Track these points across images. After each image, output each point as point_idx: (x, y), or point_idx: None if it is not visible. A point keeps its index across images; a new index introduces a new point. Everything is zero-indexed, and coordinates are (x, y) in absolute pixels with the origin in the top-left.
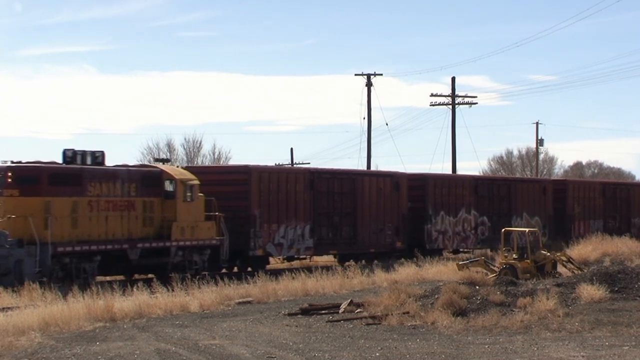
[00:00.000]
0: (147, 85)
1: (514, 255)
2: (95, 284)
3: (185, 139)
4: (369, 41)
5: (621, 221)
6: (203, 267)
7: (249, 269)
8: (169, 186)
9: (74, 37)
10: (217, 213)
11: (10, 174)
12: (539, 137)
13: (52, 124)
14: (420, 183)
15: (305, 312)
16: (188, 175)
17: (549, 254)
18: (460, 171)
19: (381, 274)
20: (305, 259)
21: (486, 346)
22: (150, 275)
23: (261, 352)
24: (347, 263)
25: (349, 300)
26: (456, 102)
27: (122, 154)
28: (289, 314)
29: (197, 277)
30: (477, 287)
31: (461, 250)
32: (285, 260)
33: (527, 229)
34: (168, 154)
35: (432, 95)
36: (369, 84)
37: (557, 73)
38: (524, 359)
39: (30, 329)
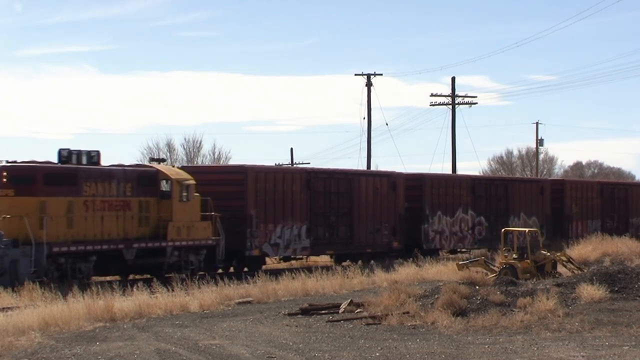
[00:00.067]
0: (147, 85)
1: (514, 255)
2: (95, 284)
3: (185, 139)
4: (369, 41)
5: (619, 221)
6: (199, 267)
7: (245, 269)
8: (165, 186)
9: (74, 37)
10: (213, 213)
11: (5, 173)
12: (539, 137)
13: (52, 124)
14: (417, 183)
15: (305, 312)
16: (184, 175)
17: (549, 254)
18: (460, 171)
19: (381, 274)
20: (301, 259)
21: (486, 346)
22: (146, 276)
23: (261, 352)
24: (343, 263)
25: (349, 300)
26: (456, 102)
27: (122, 154)
28: (289, 314)
29: (194, 277)
30: (477, 287)
31: (458, 250)
32: (281, 261)
33: (527, 229)
34: (168, 154)
35: (432, 95)
36: (369, 84)
37: (557, 73)
38: (524, 359)
39: (30, 329)
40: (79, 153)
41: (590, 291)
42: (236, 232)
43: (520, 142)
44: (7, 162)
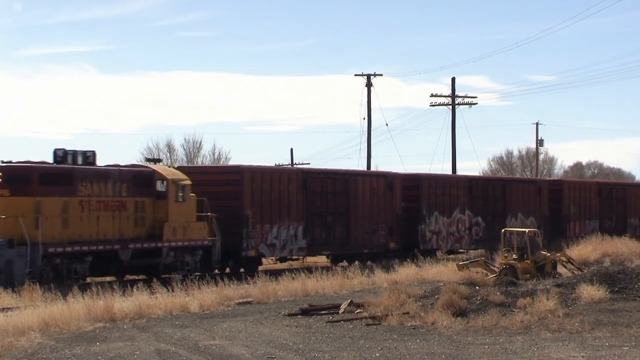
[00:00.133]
0: (147, 85)
1: (514, 255)
2: (95, 284)
3: (185, 139)
4: (369, 41)
5: (617, 221)
6: (195, 267)
7: (242, 269)
8: (160, 186)
9: (74, 37)
10: (209, 213)
11: (0, 173)
12: (539, 137)
13: (52, 124)
14: (414, 183)
15: (305, 312)
16: (180, 175)
17: (549, 254)
18: (461, 171)
19: (381, 274)
20: (298, 259)
21: (486, 346)
22: (142, 276)
23: (261, 352)
24: (340, 263)
25: (349, 301)
26: (456, 102)
27: (122, 154)
28: (289, 315)
29: (189, 278)
30: (477, 287)
31: (456, 250)
32: (278, 261)
33: (526, 230)
34: (168, 154)
35: (432, 95)
36: (369, 84)
37: (557, 73)
38: (524, 359)
39: (30, 329)
40: (75, 153)
41: (590, 291)
42: (232, 233)
43: (520, 143)
44: (3, 162)
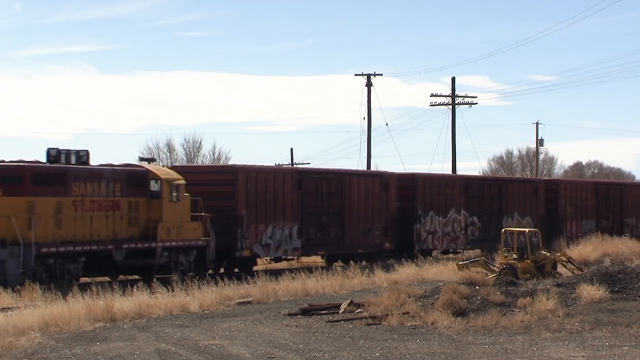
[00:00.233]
0: (147, 85)
1: (514, 255)
2: (95, 284)
3: (185, 139)
4: (369, 41)
5: (614, 221)
6: (189, 268)
7: (236, 270)
8: (154, 186)
9: (73, 37)
10: (203, 213)
11: None
12: (539, 137)
13: (52, 124)
14: (409, 183)
15: (305, 312)
16: (174, 175)
17: (549, 254)
18: (461, 171)
19: (381, 274)
20: (292, 259)
21: (486, 346)
22: (135, 277)
23: (261, 352)
24: (335, 264)
25: (349, 301)
26: (456, 102)
27: (122, 154)
28: (289, 314)
29: (184, 278)
30: (477, 287)
31: (451, 250)
32: (272, 261)
33: (527, 229)
34: (168, 154)
35: (432, 95)
36: (369, 84)
37: (557, 73)
38: (524, 359)
39: (30, 329)
40: (68, 153)
41: (590, 291)
42: (227, 233)
43: (520, 142)
44: None
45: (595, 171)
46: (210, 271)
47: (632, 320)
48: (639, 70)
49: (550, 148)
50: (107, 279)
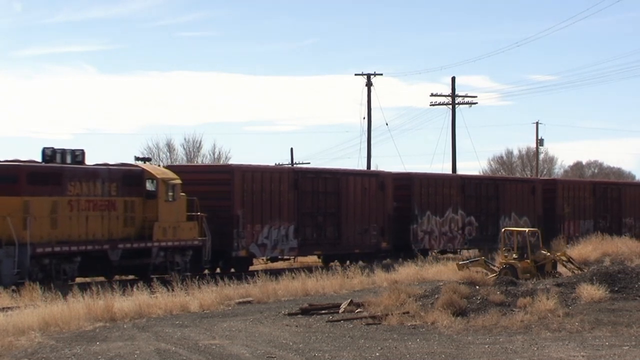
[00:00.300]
0: (147, 85)
1: (514, 255)
2: (95, 284)
3: (185, 139)
4: (369, 41)
5: (612, 221)
6: (185, 268)
7: (232, 270)
8: (150, 185)
9: (73, 37)
10: (199, 213)
11: None
12: (539, 137)
13: (52, 124)
14: (406, 182)
15: (305, 312)
16: (170, 174)
17: (549, 254)
18: (461, 171)
19: (381, 274)
20: (289, 259)
21: (486, 346)
22: (131, 277)
23: (261, 352)
24: (331, 264)
25: (349, 300)
26: (456, 102)
27: (122, 154)
28: (289, 314)
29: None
30: (477, 287)
31: (448, 250)
32: (269, 261)
33: (527, 229)
34: (168, 154)
35: (432, 95)
36: (369, 84)
37: (557, 73)
38: (524, 359)
39: (30, 329)
40: (63, 152)
41: (590, 291)
42: (223, 233)
43: (520, 142)
44: None
45: (595, 171)
46: (206, 271)
47: (632, 320)
48: (639, 70)
49: (550, 148)
50: (103, 278)
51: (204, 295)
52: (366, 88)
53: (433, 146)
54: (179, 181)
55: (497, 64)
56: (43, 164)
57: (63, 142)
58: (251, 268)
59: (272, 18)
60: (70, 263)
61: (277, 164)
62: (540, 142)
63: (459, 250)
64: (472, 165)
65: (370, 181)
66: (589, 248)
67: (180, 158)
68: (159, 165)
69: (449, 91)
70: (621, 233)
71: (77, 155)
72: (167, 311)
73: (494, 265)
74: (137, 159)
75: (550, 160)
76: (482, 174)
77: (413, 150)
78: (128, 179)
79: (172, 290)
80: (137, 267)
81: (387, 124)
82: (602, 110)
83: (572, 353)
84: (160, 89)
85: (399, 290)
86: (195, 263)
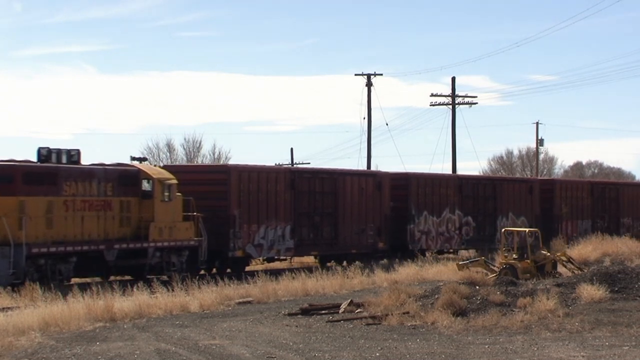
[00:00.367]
0: (147, 85)
1: (514, 255)
2: (95, 284)
3: (185, 139)
4: (369, 41)
5: (610, 221)
6: (181, 268)
7: (228, 270)
8: (146, 185)
9: (73, 37)
10: (195, 213)
11: None
12: (539, 137)
13: (52, 124)
14: (403, 182)
15: (305, 312)
16: (166, 174)
17: (549, 254)
18: (461, 171)
19: (381, 274)
20: (285, 259)
21: (486, 346)
22: (127, 277)
23: (261, 352)
24: (328, 264)
25: (349, 300)
26: (456, 102)
27: (122, 154)
28: (289, 314)
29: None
30: (477, 287)
31: (445, 250)
32: (265, 262)
33: (527, 229)
34: (168, 154)
35: (432, 95)
36: (369, 84)
37: (557, 73)
38: (524, 359)
39: (30, 329)
40: (59, 152)
41: (590, 291)
42: (219, 233)
43: (520, 142)
44: None
45: (596, 171)
46: (202, 272)
47: (632, 320)
48: (639, 70)
49: (550, 148)
50: (99, 279)
51: (204, 296)
52: (366, 88)
53: (433, 146)
54: (175, 181)
55: (497, 64)
56: (38, 163)
57: (63, 142)
58: (247, 268)
59: (272, 18)
60: (66, 263)
61: (277, 164)
62: (540, 142)
63: (456, 251)
64: (472, 165)
65: (367, 181)
66: (588, 248)
67: (180, 158)
68: (155, 165)
69: (449, 91)
70: (619, 233)
71: (73, 155)
72: (167, 311)
73: (494, 266)
74: (133, 158)
75: (550, 161)
76: (482, 174)
77: (413, 150)
78: (124, 179)
79: (172, 290)
80: (133, 268)
81: (387, 124)
82: (602, 110)
83: (572, 353)
84: (160, 89)
85: (399, 291)
86: (192, 263)
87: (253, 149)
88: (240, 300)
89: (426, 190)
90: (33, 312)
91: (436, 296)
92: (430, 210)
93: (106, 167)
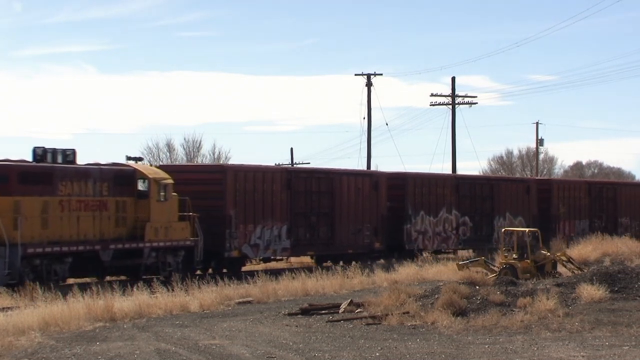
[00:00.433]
0: (147, 85)
1: (514, 255)
2: (95, 284)
3: (185, 139)
4: (369, 41)
5: (607, 221)
6: (177, 268)
7: (224, 270)
8: (142, 185)
9: (73, 37)
10: (191, 213)
11: None
12: (539, 137)
13: (52, 124)
14: (399, 182)
15: (305, 312)
16: (162, 174)
17: (549, 254)
18: (461, 171)
19: (381, 274)
20: (282, 260)
21: (486, 346)
22: (122, 277)
23: (261, 352)
24: (324, 264)
25: (349, 300)
26: (456, 102)
27: (122, 154)
28: (289, 314)
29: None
30: (477, 287)
31: (443, 250)
32: (261, 262)
33: (527, 229)
34: (168, 154)
35: (432, 95)
36: (369, 84)
37: (557, 73)
38: (524, 359)
39: (30, 329)
40: (54, 152)
41: (590, 291)
42: (215, 233)
43: (520, 142)
44: None
45: (595, 171)
46: (198, 272)
47: (632, 320)
48: (639, 70)
49: (550, 148)
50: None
51: (204, 295)
52: (366, 88)
53: (433, 146)
54: (170, 181)
55: (497, 64)
56: (34, 163)
57: (63, 142)
58: (247, 268)
59: (272, 18)
60: (62, 263)
61: (277, 164)
62: (540, 142)
63: (455, 251)
64: (472, 165)
65: (364, 181)
66: (588, 248)
67: (180, 158)
68: (151, 165)
69: (449, 91)
70: (617, 233)
71: (68, 155)
72: (167, 311)
73: (494, 265)
74: (128, 158)
75: (550, 161)
76: (481, 174)
77: (413, 150)
78: (120, 179)
79: (172, 290)
80: (128, 268)
81: (387, 124)
82: (602, 110)
83: (572, 353)
84: (160, 89)
85: (399, 290)
86: (188, 263)
87: (253, 149)
88: (240, 300)
89: (423, 190)
90: (33, 312)
91: (436, 296)
92: (427, 210)
93: (102, 166)
